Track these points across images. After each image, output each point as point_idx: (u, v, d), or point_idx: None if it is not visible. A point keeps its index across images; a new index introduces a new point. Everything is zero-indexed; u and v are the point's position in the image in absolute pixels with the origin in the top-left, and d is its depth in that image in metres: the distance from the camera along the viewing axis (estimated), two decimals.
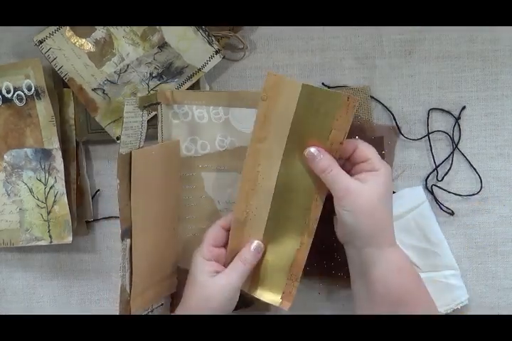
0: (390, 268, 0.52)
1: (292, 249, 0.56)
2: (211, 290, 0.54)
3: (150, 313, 0.60)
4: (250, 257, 0.55)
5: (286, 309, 0.57)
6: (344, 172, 0.52)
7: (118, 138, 0.61)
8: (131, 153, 0.54)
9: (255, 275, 0.58)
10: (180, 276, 0.63)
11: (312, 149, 0.52)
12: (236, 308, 0.57)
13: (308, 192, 0.54)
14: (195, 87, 0.62)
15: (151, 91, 0.61)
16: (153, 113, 0.60)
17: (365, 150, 0.53)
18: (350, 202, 0.51)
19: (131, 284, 0.56)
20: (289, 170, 0.55)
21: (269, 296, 0.57)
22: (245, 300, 0.61)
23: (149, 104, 0.58)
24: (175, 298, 0.63)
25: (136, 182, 0.54)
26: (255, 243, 0.56)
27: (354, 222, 0.51)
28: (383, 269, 0.52)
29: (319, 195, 0.54)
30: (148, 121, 0.58)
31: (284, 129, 0.54)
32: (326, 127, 0.52)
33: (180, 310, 0.55)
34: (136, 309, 0.57)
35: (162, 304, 0.62)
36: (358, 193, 0.51)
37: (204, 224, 0.61)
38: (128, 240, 0.55)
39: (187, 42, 0.60)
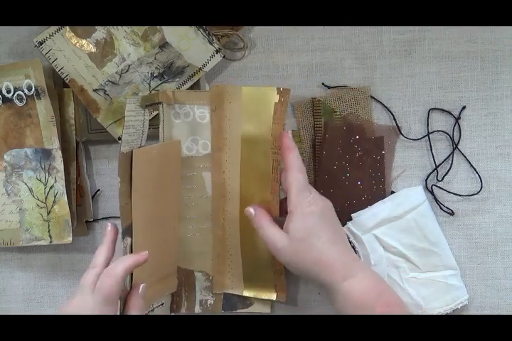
0: (346, 305, 0.51)
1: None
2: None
3: (150, 312, 0.60)
4: (143, 304, 0.54)
5: (283, 300, 0.61)
6: (272, 228, 0.53)
7: (120, 139, 0.61)
8: (132, 151, 0.54)
9: (245, 279, 0.62)
10: (180, 276, 0.63)
11: (250, 209, 0.56)
12: (236, 309, 0.57)
13: (266, 195, 0.58)
14: (194, 86, 0.62)
15: (153, 91, 0.61)
16: (155, 112, 0.59)
17: (287, 180, 0.53)
18: (282, 258, 0.53)
19: (131, 283, 0.56)
20: (248, 174, 0.59)
21: (265, 294, 0.62)
22: (244, 301, 0.61)
23: (151, 103, 0.58)
24: (175, 296, 0.63)
25: (136, 181, 0.54)
26: (141, 287, 0.55)
27: (296, 272, 0.54)
28: (339, 305, 0.52)
29: (274, 196, 0.57)
30: (149, 120, 0.58)
31: (237, 135, 0.59)
32: (268, 123, 0.56)
33: None
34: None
35: (162, 303, 0.62)
36: (284, 249, 0.52)
37: (204, 223, 0.62)
38: (129, 239, 0.55)
39: (188, 41, 0.60)
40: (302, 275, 0.54)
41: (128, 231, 0.55)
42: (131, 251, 0.55)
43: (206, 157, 0.61)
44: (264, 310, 0.63)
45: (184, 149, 0.61)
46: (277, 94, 0.56)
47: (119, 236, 0.55)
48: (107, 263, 0.54)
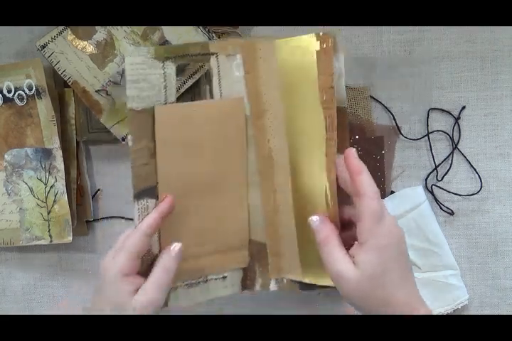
0: None
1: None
2: (134, 312, 0.47)
3: (203, 283, 0.55)
4: (172, 264, 0.49)
5: None
6: (339, 249, 0.46)
7: (124, 139, 0.61)
8: (153, 108, 0.49)
9: (302, 262, 0.54)
10: (252, 249, 0.57)
11: (314, 218, 0.49)
12: (314, 288, 0.53)
13: (320, 163, 0.50)
14: (194, 86, 0.62)
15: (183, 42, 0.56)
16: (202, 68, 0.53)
17: (358, 208, 0.45)
18: (341, 287, 0.46)
19: (160, 243, 0.52)
20: (296, 140, 0.52)
21: (323, 279, 0.53)
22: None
23: (176, 55, 0.51)
24: (248, 271, 0.57)
25: (165, 140, 0.50)
26: (173, 245, 0.50)
27: (355, 305, 0.47)
28: None
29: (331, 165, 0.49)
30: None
31: (277, 96, 0.52)
32: (312, 76, 0.49)
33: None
34: (186, 271, 0.53)
35: (225, 277, 0.57)
36: (349, 282, 0.45)
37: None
38: (150, 200, 0.51)
39: (187, 39, 0.60)
40: (358, 308, 0.48)
41: (148, 193, 0.51)
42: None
43: None
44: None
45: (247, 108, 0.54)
46: (317, 40, 0.48)
47: (131, 198, 0.50)
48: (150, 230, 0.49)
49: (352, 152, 0.47)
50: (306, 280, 0.54)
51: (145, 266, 0.50)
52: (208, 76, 0.54)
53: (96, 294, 0.50)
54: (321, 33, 0.48)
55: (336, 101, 0.49)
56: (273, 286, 0.57)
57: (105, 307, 0.48)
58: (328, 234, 0.47)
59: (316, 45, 0.48)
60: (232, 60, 0.53)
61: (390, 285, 0.45)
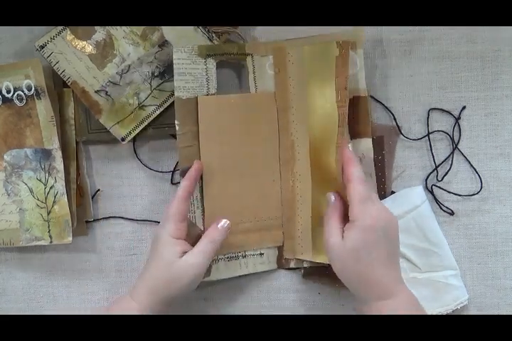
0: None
1: None
2: (180, 271, 0.54)
3: (242, 257, 0.62)
4: (218, 236, 0.56)
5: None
6: (336, 225, 0.53)
7: (123, 139, 0.62)
8: (197, 98, 0.58)
9: (314, 244, 0.61)
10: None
11: (331, 195, 0.56)
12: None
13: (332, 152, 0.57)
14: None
15: (219, 42, 0.61)
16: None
17: (348, 191, 0.53)
18: (329, 257, 0.53)
19: (203, 221, 0.60)
20: (316, 133, 0.59)
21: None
22: None
23: (216, 53, 0.60)
24: (283, 251, 0.63)
25: (207, 126, 0.59)
26: (222, 221, 0.57)
27: (336, 272, 0.53)
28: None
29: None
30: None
31: (302, 93, 0.60)
32: (331, 78, 0.57)
33: (144, 287, 0.55)
34: (227, 245, 0.59)
35: (261, 254, 0.63)
36: (333, 248, 0.52)
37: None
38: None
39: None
40: (340, 278, 0.53)
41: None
42: (202, 193, 0.59)
43: None
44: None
45: None
46: (337, 47, 0.57)
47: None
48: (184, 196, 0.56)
49: (346, 145, 0.56)
50: (317, 260, 0.61)
51: (193, 239, 0.57)
52: (244, 73, 0.62)
53: (150, 259, 0.56)
54: (341, 42, 0.57)
55: (359, 91, 0.59)
56: (306, 263, 0.63)
57: (156, 266, 0.55)
58: (334, 208, 0.55)
59: (336, 51, 0.57)
60: (265, 60, 0.62)
61: (370, 263, 0.51)
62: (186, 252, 0.55)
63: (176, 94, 0.58)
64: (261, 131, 0.61)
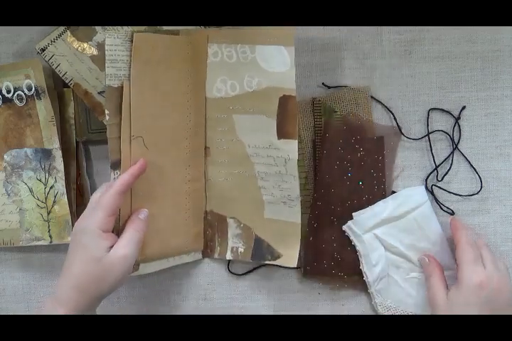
0: None
1: None
2: (111, 265, 0.51)
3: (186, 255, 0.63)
4: (142, 225, 0.55)
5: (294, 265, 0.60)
6: (440, 283, 0.57)
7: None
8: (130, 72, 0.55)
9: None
10: (213, 221, 0.64)
11: (425, 258, 0.60)
12: (264, 260, 0.61)
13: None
14: None
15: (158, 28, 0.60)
16: None
17: (457, 254, 0.56)
18: (435, 311, 0.56)
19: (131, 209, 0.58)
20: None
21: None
22: (273, 253, 0.61)
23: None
24: (209, 242, 0.65)
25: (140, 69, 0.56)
26: (143, 212, 0.57)
27: None
28: None
29: None
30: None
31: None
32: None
33: (69, 286, 0.52)
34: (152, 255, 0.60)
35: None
36: (439, 308, 0.55)
37: (235, 168, 0.62)
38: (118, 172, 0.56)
39: None
40: None
41: (119, 165, 0.56)
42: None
43: (235, 98, 0.60)
44: (291, 263, 0.60)
45: (214, 90, 0.61)
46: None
47: (109, 168, 0.56)
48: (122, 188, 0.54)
49: (455, 218, 0.61)
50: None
51: (118, 227, 0.55)
52: None
53: (72, 253, 0.53)
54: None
55: (285, 90, 0.57)
56: (228, 256, 0.64)
57: (83, 262, 0.52)
58: (434, 267, 0.59)
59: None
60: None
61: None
62: (113, 245, 0.52)
63: (106, 82, 0.55)
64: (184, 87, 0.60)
